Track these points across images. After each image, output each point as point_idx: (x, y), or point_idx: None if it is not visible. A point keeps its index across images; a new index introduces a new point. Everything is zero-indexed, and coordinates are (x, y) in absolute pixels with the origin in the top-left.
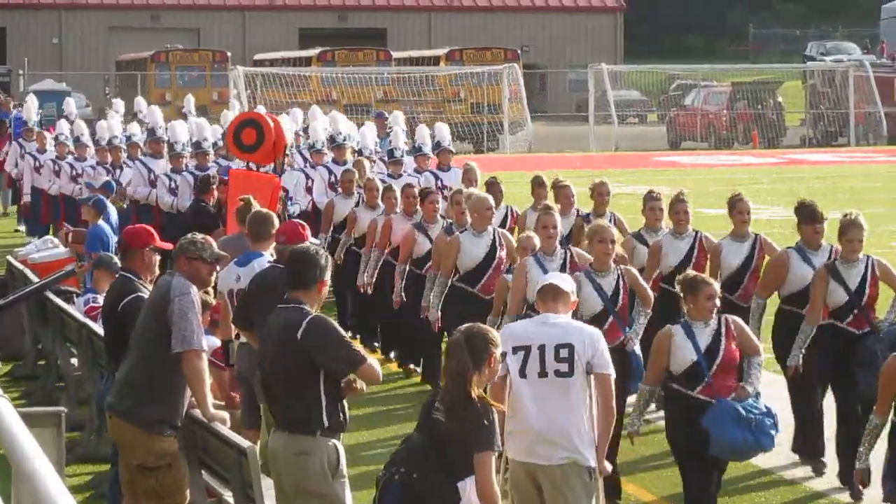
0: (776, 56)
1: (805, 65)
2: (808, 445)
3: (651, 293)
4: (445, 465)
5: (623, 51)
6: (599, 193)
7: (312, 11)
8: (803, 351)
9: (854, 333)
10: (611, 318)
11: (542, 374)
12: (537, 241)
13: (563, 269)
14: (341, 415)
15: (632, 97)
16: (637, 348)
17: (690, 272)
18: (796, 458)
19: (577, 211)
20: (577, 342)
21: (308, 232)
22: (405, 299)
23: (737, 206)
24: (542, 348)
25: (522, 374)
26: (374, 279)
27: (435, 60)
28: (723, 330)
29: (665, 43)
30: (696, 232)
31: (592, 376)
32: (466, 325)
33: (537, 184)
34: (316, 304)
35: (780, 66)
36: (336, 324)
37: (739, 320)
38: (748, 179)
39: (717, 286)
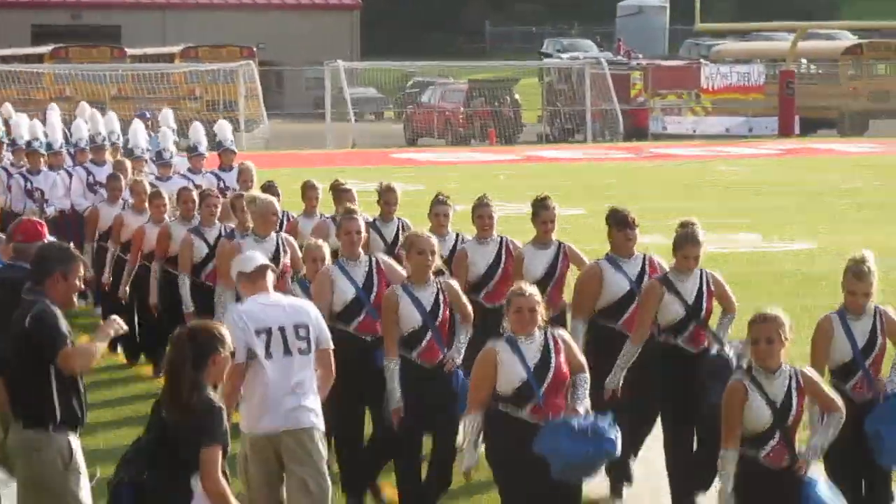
0: (513, 54)
1: (541, 62)
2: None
3: (470, 309)
4: (176, 462)
5: (360, 48)
6: (387, 202)
7: (45, 9)
8: (623, 374)
9: (691, 352)
10: (429, 335)
11: (287, 352)
12: (327, 251)
13: (369, 277)
14: (77, 409)
15: (369, 94)
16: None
17: (519, 285)
18: None
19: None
20: (309, 321)
21: (45, 230)
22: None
23: (541, 215)
24: (282, 329)
25: (268, 354)
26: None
27: (170, 57)
28: (551, 344)
29: (403, 40)
30: (502, 237)
31: (318, 351)
32: (195, 321)
33: (309, 187)
34: (61, 300)
35: (517, 64)
36: (59, 315)
37: (565, 333)
38: (486, 175)
39: (538, 296)
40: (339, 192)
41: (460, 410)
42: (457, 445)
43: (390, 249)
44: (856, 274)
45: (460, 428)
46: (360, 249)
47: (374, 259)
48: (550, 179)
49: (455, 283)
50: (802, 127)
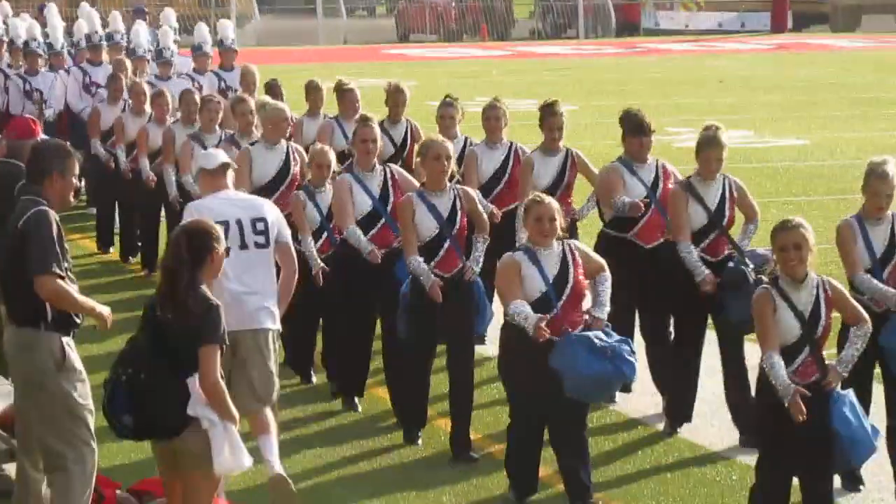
0: None
1: None
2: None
3: (486, 217)
4: (171, 362)
5: None
6: (395, 103)
7: None
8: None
9: (711, 261)
10: (447, 244)
11: (244, 246)
12: (332, 157)
13: (384, 187)
14: (71, 312)
15: None
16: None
17: (536, 194)
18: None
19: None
20: (268, 216)
21: (39, 128)
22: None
23: (549, 121)
24: (239, 223)
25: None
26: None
27: None
28: (569, 257)
29: None
30: (511, 143)
31: (277, 245)
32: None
33: (313, 88)
34: (58, 199)
35: None
36: (56, 223)
37: (580, 243)
38: (479, 71)
39: (556, 205)
40: (343, 93)
41: (481, 326)
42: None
43: (399, 152)
44: (880, 175)
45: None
46: (375, 159)
47: (388, 169)
48: (542, 75)
49: (472, 191)
50: (795, 22)
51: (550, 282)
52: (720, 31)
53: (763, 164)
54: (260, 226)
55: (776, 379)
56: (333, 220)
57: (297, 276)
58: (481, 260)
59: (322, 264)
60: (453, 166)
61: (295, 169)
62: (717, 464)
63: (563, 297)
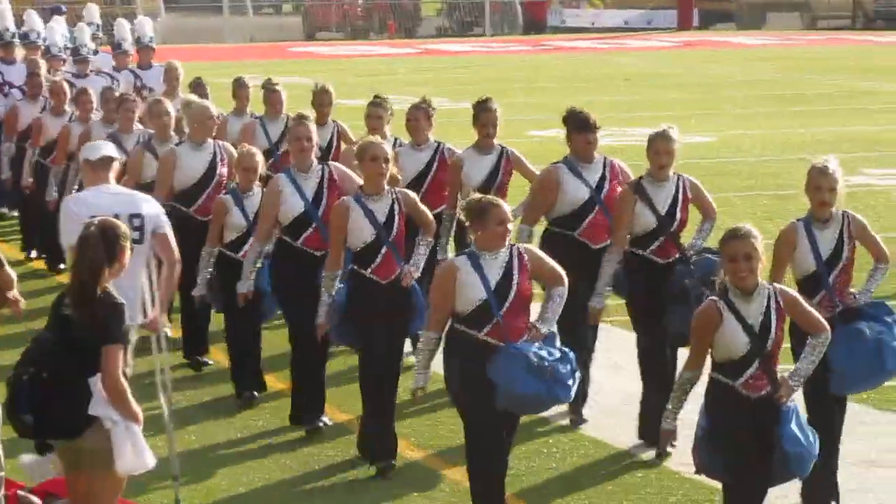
0: None
1: None
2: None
3: (431, 218)
4: (76, 361)
5: None
6: (321, 104)
7: None
8: (609, 289)
9: (659, 263)
10: (384, 249)
11: None
12: (260, 160)
13: (319, 188)
14: None
15: None
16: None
17: (476, 196)
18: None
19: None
20: (144, 210)
21: None
22: None
23: (481, 117)
24: (116, 217)
25: None
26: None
27: None
28: (515, 262)
29: None
30: (438, 143)
31: (155, 237)
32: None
33: (240, 85)
34: None
35: None
36: None
37: (535, 249)
38: (385, 69)
39: (507, 208)
40: (270, 93)
41: (418, 326)
42: (410, 363)
43: (325, 155)
44: (821, 170)
45: (407, 344)
46: (313, 159)
47: (326, 169)
48: (450, 73)
49: (411, 193)
50: (701, 19)
51: (492, 289)
52: (626, 29)
53: None
54: (136, 221)
55: (674, 393)
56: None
57: (179, 266)
58: (422, 264)
59: (250, 287)
60: (392, 169)
61: (222, 169)
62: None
63: (506, 304)
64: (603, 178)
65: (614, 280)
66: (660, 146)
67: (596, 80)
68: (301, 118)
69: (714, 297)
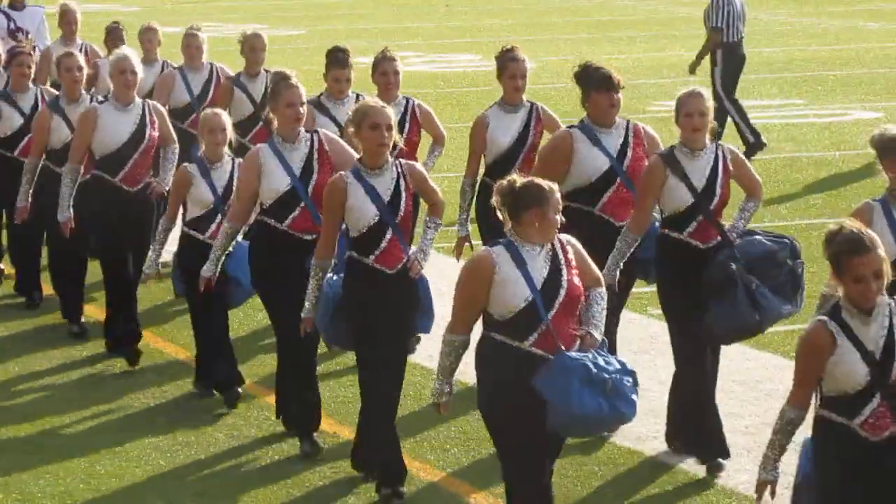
0: None
1: None
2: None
3: (441, 195)
4: None
5: None
6: (252, 48)
7: None
8: (621, 266)
9: (699, 247)
10: (389, 233)
11: None
12: (227, 121)
13: (308, 162)
14: None
15: None
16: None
17: (520, 178)
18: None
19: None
20: None
21: None
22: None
23: (509, 68)
24: None
25: None
26: None
27: None
28: (561, 256)
29: None
30: (408, 99)
31: None
32: None
33: (145, 30)
34: None
35: None
36: None
37: (575, 241)
38: None
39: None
40: (189, 38)
41: (425, 325)
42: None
43: (259, 109)
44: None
45: (418, 347)
46: (302, 128)
47: (315, 138)
48: (268, 1)
49: (419, 166)
50: None
51: (538, 288)
52: None
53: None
54: None
55: (771, 447)
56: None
57: None
58: (430, 249)
59: (215, 272)
60: (395, 136)
61: (152, 132)
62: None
63: (555, 306)
64: (625, 143)
65: (641, 267)
66: (691, 105)
67: (416, 6)
68: (286, 77)
69: (823, 318)
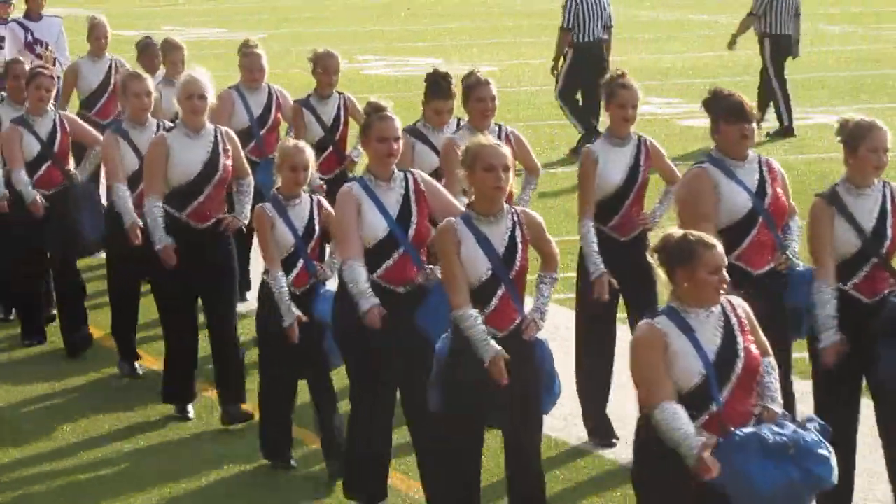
0: None
1: None
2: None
3: (557, 251)
4: None
5: None
6: (325, 70)
7: None
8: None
9: (867, 304)
10: (502, 290)
11: None
12: (310, 156)
13: (405, 202)
14: None
15: None
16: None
17: (673, 230)
18: None
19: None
20: None
21: None
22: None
23: (618, 96)
24: None
25: None
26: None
27: None
28: (734, 321)
29: None
30: (340, 94)
31: None
32: None
33: (95, 25)
34: None
35: None
36: None
37: (745, 305)
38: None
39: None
40: (251, 57)
41: (555, 394)
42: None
43: (263, 121)
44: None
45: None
46: (395, 166)
47: (410, 177)
48: (233, 3)
49: (537, 214)
50: None
51: (711, 361)
52: None
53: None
54: None
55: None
56: (316, 243)
57: None
58: (547, 310)
59: (296, 314)
60: (511, 178)
61: (226, 161)
62: None
63: (731, 381)
64: (762, 179)
65: (794, 319)
66: (876, 139)
67: (378, 9)
68: (380, 109)
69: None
